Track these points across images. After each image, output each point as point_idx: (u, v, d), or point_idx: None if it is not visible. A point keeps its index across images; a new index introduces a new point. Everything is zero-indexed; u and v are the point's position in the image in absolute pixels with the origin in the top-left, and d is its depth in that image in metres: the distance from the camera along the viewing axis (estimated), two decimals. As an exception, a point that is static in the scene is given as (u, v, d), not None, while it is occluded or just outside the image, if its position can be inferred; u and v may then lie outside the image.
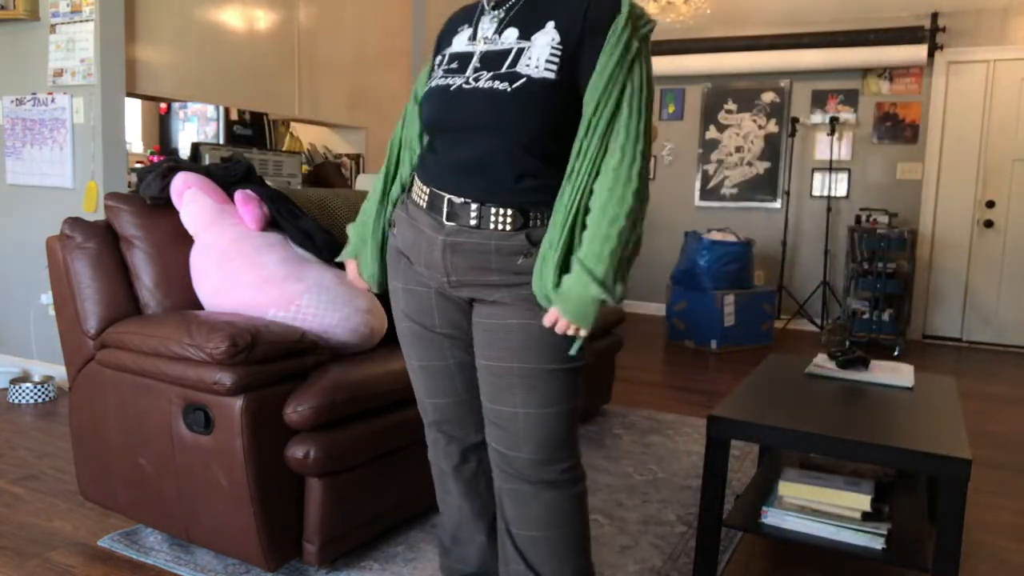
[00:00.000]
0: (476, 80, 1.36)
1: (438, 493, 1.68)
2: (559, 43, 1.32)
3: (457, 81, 1.39)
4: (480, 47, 1.40)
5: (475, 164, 1.36)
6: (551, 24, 1.34)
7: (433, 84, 1.44)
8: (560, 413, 1.40)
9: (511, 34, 1.38)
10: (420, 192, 1.45)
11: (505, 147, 1.34)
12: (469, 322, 1.49)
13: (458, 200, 1.37)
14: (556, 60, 1.32)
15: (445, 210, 1.39)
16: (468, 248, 1.37)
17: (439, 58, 1.49)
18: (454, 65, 1.42)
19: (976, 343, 5.97)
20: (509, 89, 1.32)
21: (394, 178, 1.57)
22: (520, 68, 1.33)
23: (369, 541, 2.16)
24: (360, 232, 1.61)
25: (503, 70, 1.34)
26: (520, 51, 1.35)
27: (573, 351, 1.36)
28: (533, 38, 1.35)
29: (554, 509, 1.44)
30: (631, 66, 1.29)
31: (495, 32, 1.40)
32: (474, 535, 1.64)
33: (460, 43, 1.45)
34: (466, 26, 1.46)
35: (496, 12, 1.42)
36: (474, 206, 1.36)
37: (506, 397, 1.41)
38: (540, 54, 1.32)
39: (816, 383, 2.28)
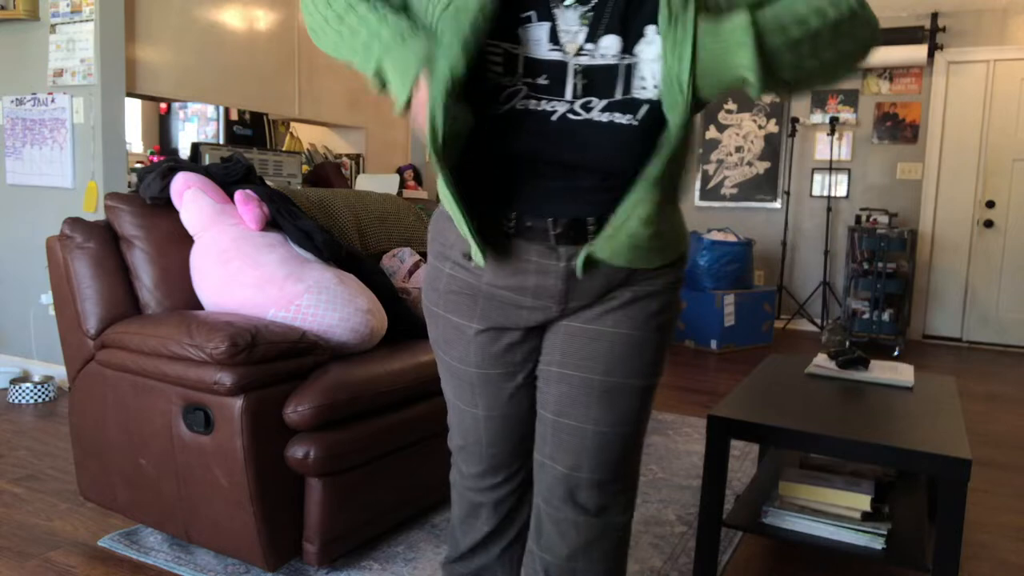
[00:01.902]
0: (587, 109, 1.09)
1: (461, 516, 1.47)
2: None
3: (559, 108, 1.10)
4: (573, 59, 1.09)
5: (590, 195, 1.14)
6: (651, 30, 1.08)
7: (518, 105, 1.10)
8: (632, 433, 1.25)
9: (611, 44, 1.09)
10: (501, 217, 1.18)
11: (630, 181, 1.11)
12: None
13: (565, 218, 1.15)
14: None
15: (552, 232, 1.15)
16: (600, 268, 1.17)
17: (501, 56, 1.09)
18: (543, 80, 1.10)
19: (976, 343, 5.97)
20: (636, 122, 1.09)
21: None
22: (636, 92, 1.08)
23: (369, 541, 2.16)
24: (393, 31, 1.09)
25: (618, 96, 1.09)
26: (629, 68, 1.08)
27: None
28: (637, 51, 1.08)
29: (596, 538, 1.28)
30: None
31: (588, 38, 1.09)
32: (491, 549, 1.52)
33: (540, 44, 1.10)
34: (534, 14, 1.09)
35: (580, 7, 1.09)
36: (591, 219, 1.15)
37: (578, 411, 1.23)
38: (653, 70, 1.07)
39: (816, 383, 2.28)
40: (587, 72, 1.09)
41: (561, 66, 1.09)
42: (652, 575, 2.05)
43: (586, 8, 1.09)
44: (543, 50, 1.09)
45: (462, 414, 1.35)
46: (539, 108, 1.10)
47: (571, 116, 1.10)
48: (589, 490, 1.26)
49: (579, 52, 1.09)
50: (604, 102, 1.09)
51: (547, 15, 1.09)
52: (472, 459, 1.38)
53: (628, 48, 1.09)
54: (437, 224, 1.30)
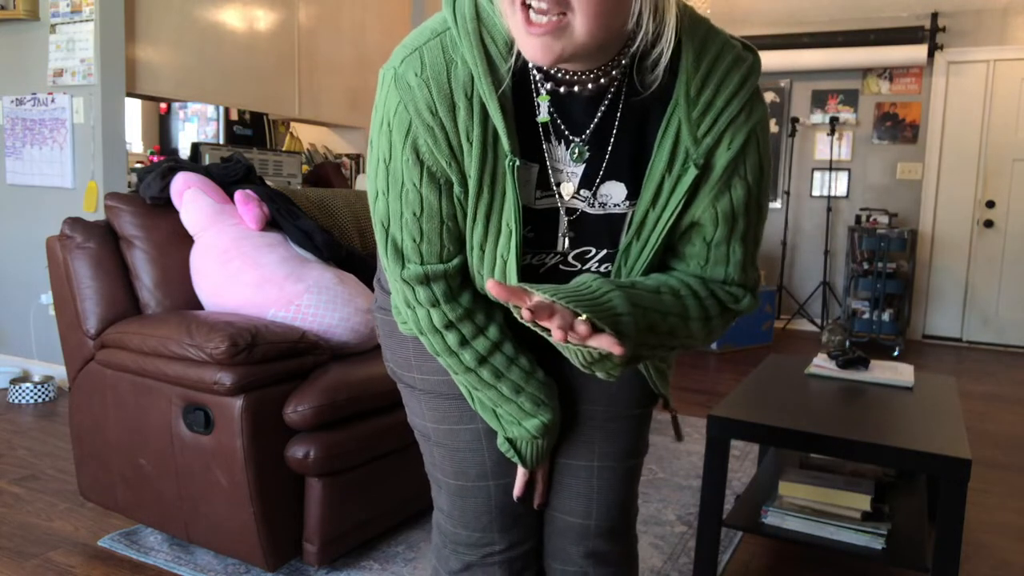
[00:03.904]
0: (582, 261, 0.95)
1: None
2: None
3: (548, 262, 0.96)
4: (567, 204, 0.92)
5: None
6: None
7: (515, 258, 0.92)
8: (636, 467, 1.13)
9: (615, 191, 0.91)
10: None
11: None
12: None
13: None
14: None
15: None
16: None
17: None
18: (528, 233, 0.93)
19: (976, 343, 5.97)
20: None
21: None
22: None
23: (369, 541, 2.16)
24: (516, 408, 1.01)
25: (620, 247, 0.95)
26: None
27: None
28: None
29: None
30: None
31: (584, 183, 0.91)
32: None
33: (527, 190, 0.91)
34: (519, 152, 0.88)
35: (573, 143, 0.90)
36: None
37: (583, 450, 1.09)
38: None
39: (816, 383, 2.28)
40: (582, 222, 0.92)
41: (551, 215, 0.92)
42: (652, 575, 2.04)
43: (580, 144, 0.89)
44: (530, 197, 0.90)
45: (453, 447, 1.07)
46: (524, 262, 0.94)
47: (563, 268, 0.96)
48: (601, 539, 1.11)
49: (580, 201, 0.92)
50: (603, 252, 0.94)
51: (536, 154, 0.89)
52: (473, 512, 1.09)
53: (637, 195, 0.91)
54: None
